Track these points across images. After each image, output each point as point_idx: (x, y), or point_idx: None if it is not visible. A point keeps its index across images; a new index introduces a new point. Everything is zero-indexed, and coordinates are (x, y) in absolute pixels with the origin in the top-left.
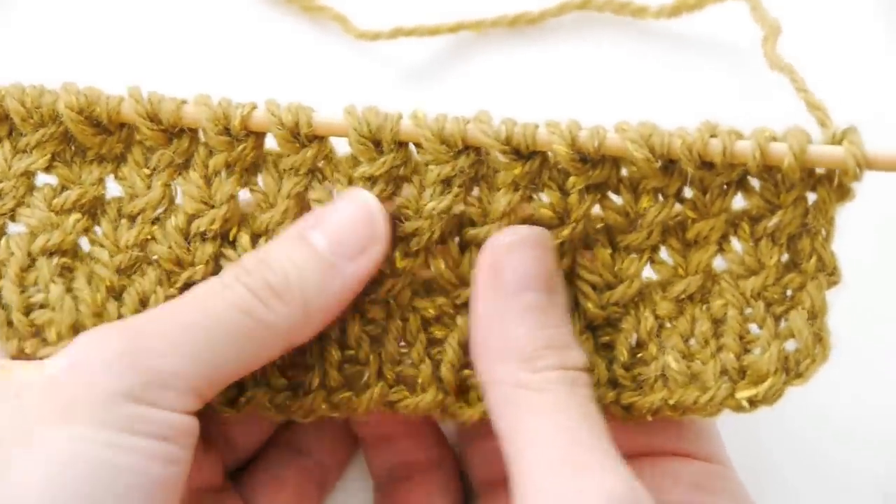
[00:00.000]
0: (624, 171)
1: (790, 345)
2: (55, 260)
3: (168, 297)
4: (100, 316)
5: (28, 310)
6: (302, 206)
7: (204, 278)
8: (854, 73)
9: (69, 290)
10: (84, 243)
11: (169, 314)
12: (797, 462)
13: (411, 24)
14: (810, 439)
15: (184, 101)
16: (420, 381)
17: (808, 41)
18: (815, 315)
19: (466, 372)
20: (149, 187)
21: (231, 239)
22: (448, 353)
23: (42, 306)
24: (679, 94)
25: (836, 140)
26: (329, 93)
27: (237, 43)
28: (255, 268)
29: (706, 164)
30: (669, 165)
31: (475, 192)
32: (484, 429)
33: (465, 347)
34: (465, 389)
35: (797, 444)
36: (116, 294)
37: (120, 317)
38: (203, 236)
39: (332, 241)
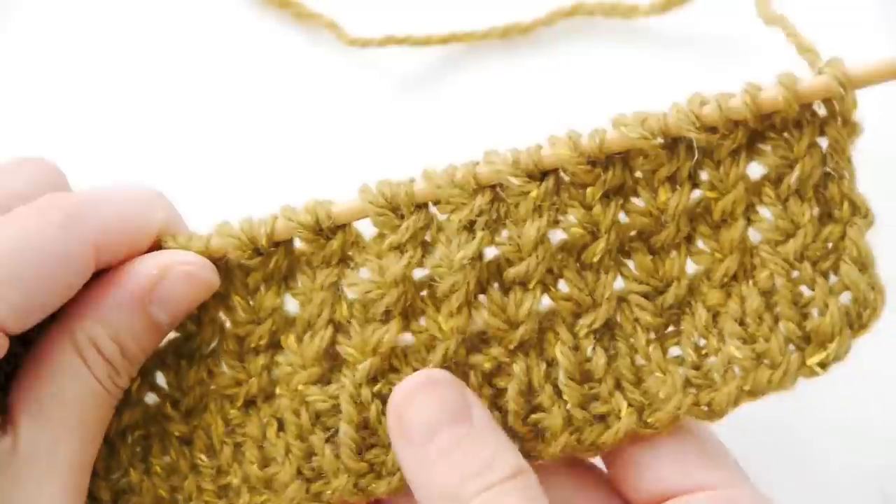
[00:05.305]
0: (638, 174)
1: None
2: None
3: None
4: None
5: None
6: (338, 296)
7: (259, 390)
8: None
9: None
10: None
11: None
12: (796, 459)
13: (403, 32)
14: (809, 436)
15: (209, 236)
16: None
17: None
18: (865, 265)
19: (535, 416)
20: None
21: (282, 345)
22: (510, 404)
23: None
24: (675, 92)
25: (821, 71)
26: (321, 99)
27: (229, 49)
28: None
29: (708, 130)
30: (673, 145)
31: (504, 234)
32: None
33: (527, 395)
34: (539, 433)
35: (796, 441)
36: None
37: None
38: (255, 351)
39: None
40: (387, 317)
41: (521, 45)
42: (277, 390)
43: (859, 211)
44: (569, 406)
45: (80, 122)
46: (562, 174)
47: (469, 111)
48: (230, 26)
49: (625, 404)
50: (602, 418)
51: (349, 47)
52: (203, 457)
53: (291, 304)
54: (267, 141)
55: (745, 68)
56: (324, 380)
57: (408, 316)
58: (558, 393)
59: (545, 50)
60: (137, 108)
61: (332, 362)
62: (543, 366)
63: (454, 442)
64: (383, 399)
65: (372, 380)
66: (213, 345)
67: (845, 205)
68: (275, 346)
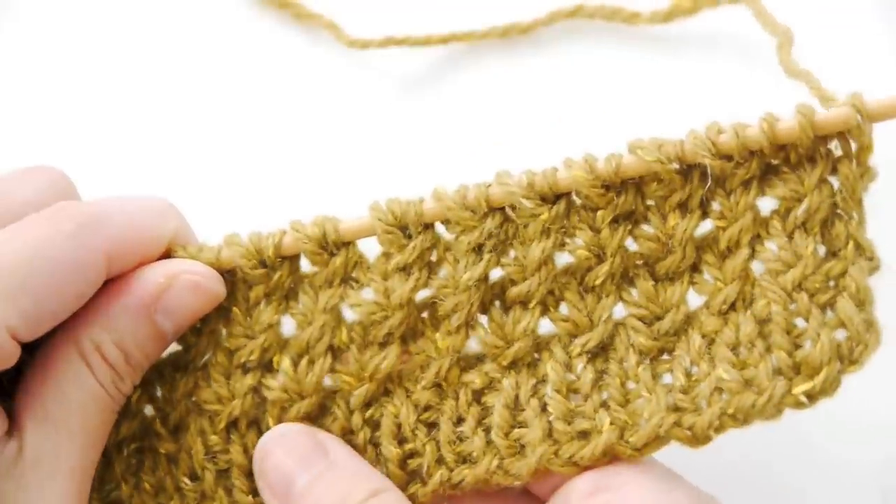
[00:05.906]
0: (650, 201)
1: (839, 334)
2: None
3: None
4: None
5: None
6: (339, 319)
7: (243, 413)
8: (854, 75)
9: None
10: None
11: None
12: (795, 455)
13: (403, 32)
14: (808, 431)
15: (219, 248)
16: (475, 452)
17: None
18: (863, 302)
19: (518, 432)
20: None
21: (275, 366)
22: (495, 418)
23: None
24: (673, 98)
25: (840, 104)
26: (321, 100)
27: (229, 49)
28: None
29: (723, 157)
30: (687, 171)
31: (511, 255)
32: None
33: (512, 409)
34: (520, 449)
35: (794, 437)
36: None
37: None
38: (244, 368)
39: None
40: (386, 340)
41: (521, 45)
42: (270, 421)
43: (864, 253)
44: (552, 418)
45: (78, 122)
46: (574, 197)
47: (469, 111)
48: (230, 26)
49: (607, 420)
50: (584, 435)
51: (349, 48)
52: (186, 480)
53: (287, 328)
54: (266, 142)
55: (744, 71)
56: (319, 410)
57: (406, 339)
58: (543, 407)
59: (545, 50)
60: (136, 110)
61: (325, 390)
62: (533, 381)
63: (314, 481)
64: (373, 426)
65: (365, 406)
66: (206, 357)
67: (850, 245)
68: (264, 366)
